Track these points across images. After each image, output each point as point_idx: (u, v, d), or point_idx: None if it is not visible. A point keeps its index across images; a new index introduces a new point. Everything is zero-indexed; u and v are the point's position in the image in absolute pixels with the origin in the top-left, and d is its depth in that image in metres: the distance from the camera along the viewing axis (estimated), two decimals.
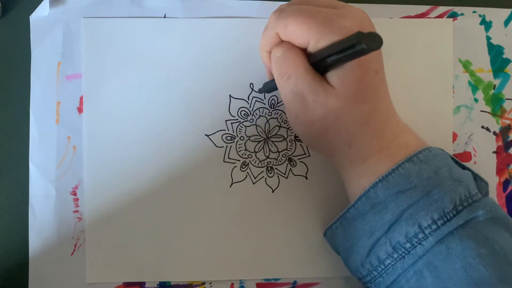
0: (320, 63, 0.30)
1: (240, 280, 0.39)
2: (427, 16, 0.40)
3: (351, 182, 0.34)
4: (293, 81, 0.31)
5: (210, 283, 0.39)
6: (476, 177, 0.33)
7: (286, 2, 0.34)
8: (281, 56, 0.31)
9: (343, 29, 0.29)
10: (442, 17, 0.41)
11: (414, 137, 0.33)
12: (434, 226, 0.30)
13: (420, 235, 0.30)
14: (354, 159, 0.32)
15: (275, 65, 0.32)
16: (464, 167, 0.33)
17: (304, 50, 0.31)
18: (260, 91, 0.39)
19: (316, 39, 0.30)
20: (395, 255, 0.31)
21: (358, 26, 0.29)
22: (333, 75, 0.30)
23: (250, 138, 0.39)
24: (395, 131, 0.32)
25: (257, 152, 0.40)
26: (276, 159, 0.40)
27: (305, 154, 0.40)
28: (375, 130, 0.31)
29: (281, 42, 0.32)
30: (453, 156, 0.34)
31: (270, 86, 0.36)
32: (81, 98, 0.39)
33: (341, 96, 0.30)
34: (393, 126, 0.32)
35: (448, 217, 0.30)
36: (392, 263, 0.31)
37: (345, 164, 0.33)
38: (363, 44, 0.25)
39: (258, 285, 0.39)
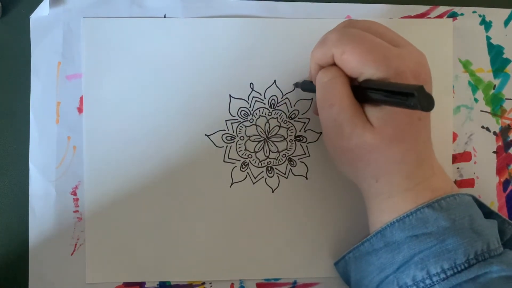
0: (363, 93, 0.30)
1: (240, 280, 0.39)
2: (427, 16, 0.40)
3: (373, 214, 0.34)
4: (336, 111, 0.31)
5: (210, 283, 0.39)
6: (504, 222, 0.33)
7: (341, 22, 0.34)
8: (328, 82, 0.31)
9: (398, 73, 0.29)
10: (442, 17, 0.41)
11: (444, 181, 0.33)
12: (442, 275, 0.29)
13: (427, 281, 0.30)
14: (379, 193, 0.32)
15: (320, 89, 0.32)
16: (492, 213, 0.33)
17: (351, 78, 0.31)
18: (297, 85, 0.39)
19: (368, 75, 0.29)
20: None
21: (413, 73, 0.29)
22: (374, 114, 0.30)
23: (250, 138, 0.39)
24: (426, 174, 0.32)
25: (257, 152, 0.40)
26: (276, 159, 0.40)
27: (305, 154, 0.40)
28: (405, 171, 0.31)
29: (332, 65, 0.32)
30: (481, 202, 0.33)
31: (309, 87, 0.36)
32: (81, 98, 0.39)
33: (378, 134, 0.30)
34: (425, 169, 0.32)
35: (459, 269, 0.29)
36: None
37: (370, 195, 0.33)
38: (418, 102, 0.25)
39: (258, 285, 0.39)
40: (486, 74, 0.41)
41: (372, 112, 0.30)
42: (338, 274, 0.38)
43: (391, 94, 0.27)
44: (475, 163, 0.40)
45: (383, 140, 0.30)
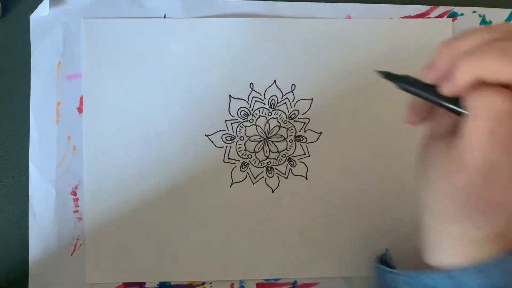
0: None
1: (240, 280, 0.39)
2: (427, 16, 0.40)
3: (444, 250, 0.29)
4: (500, 154, 0.23)
5: (210, 283, 0.39)
6: None
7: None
8: (507, 113, 0.22)
9: None
10: (442, 17, 0.41)
11: None
12: None
13: None
14: (466, 237, 0.28)
15: (489, 118, 0.22)
16: None
17: None
18: (390, 77, 0.27)
19: None
20: None
21: None
22: None
23: (250, 138, 0.40)
24: None
25: (257, 152, 0.40)
26: (276, 159, 0.40)
27: (305, 154, 0.40)
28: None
29: (506, 87, 0.22)
30: None
31: (415, 87, 0.26)
32: (81, 98, 0.39)
33: None
34: None
35: None
36: None
37: (449, 233, 0.28)
38: None
39: (258, 285, 0.39)
40: None
41: None
42: (372, 269, 0.35)
43: None
44: None
45: None
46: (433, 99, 0.25)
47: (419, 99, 0.26)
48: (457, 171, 0.24)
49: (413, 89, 0.26)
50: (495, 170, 0.23)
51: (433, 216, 0.29)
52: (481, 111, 0.22)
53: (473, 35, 0.23)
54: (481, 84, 0.22)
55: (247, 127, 0.39)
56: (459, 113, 0.24)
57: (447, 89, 0.24)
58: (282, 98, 0.40)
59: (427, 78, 0.25)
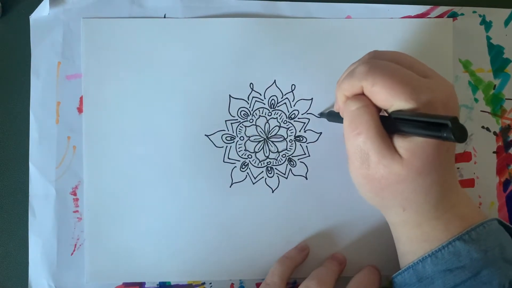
0: (392, 124, 0.30)
1: (240, 280, 0.39)
2: (427, 16, 0.40)
3: (403, 243, 0.34)
4: (362, 139, 0.30)
5: (210, 283, 0.39)
6: None
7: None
8: (356, 111, 0.31)
9: (428, 104, 0.29)
10: (442, 17, 0.40)
11: (471, 208, 0.33)
12: None
13: None
14: (406, 222, 0.32)
15: (348, 117, 0.31)
16: None
17: (379, 108, 0.31)
18: (321, 115, 0.39)
19: (399, 106, 0.29)
20: None
21: (442, 104, 0.29)
22: (403, 145, 0.30)
23: (250, 138, 0.39)
24: (453, 202, 0.32)
25: (257, 152, 0.40)
26: (276, 159, 0.40)
27: (305, 154, 0.40)
28: (433, 201, 0.31)
29: (360, 94, 0.31)
30: (507, 225, 0.33)
31: (335, 118, 0.36)
32: (81, 98, 0.39)
33: (406, 166, 0.30)
34: (452, 196, 0.32)
35: None
36: None
37: (397, 223, 0.33)
38: (451, 133, 0.24)
39: (258, 285, 0.39)
40: (486, 74, 0.41)
41: (401, 143, 0.30)
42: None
43: (423, 125, 0.27)
44: (475, 163, 0.40)
45: (410, 171, 0.30)
46: (340, 122, 0.34)
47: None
48: (349, 161, 0.33)
49: (333, 119, 0.37)
50: (364, 152, 0.30)
51: (381, 211, 0.35)
52: (344, 114, 0.32)
53: (347, 69, 0.34)
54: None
55: (247, 127, 0.39)
56: None
57: (337, 109, 0.35)
58: (282, 98, 0.40)
59: (335, 108, 0.36)
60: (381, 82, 0.29)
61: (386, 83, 0.29)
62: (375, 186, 0.31)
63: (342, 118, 0.33)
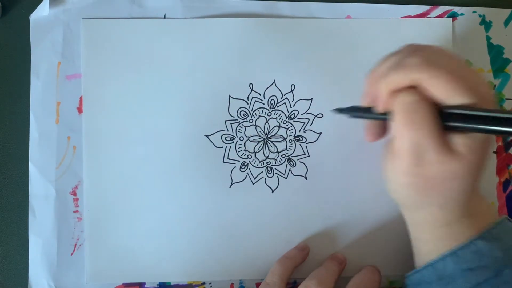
0: (448, 119, 0.28)
1: (240, 280, 0.39)
2: (427, 16, 0.40)
3: (425, 242, 0.33)
4: (420, 135, 0.28)
5: (210, 283, 0.39)
6: None
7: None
8: (414, 103, 0.28)
9: (484, 99, 0.28)
10: (442, 17, 0.40)
11: (487, 205, 0.33)
12: None
13: None
14: (437, 221, 0.31)
15: (403, 112, 0.29)
16: None
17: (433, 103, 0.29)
18: (341, 111, 0.36)
19: (457, 101, 0.28)
20: None
21: (492, 97, 0.29)
22: (461, 142, 0.28)
23: (250, 139, 0.40)
24: (477, 199, 0.32)
25: (256, 152, 0.40)
26: (276, 160, 0.40)
27: (304, 154, 0.40)
28: (467, 198, 0.31)
29: (412, 87, 0.29)
30: None
31: (362, 114, 0.34)
32: (81, 98, 0.39)
33: (467, 163, 0.28)
34: (477, 193, 0.32)
35: None
36: None
37: (425, 223, 0.32)
38: None
39: (258, 285, 0.39)
40: (486, 74, 0.41)
41: (459, 139, 0.28)
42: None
43: (489, 121, 0.26)
44: None
45: (469, 169, 0.29)
46: (373, 117, 0.32)
47: (371, 121, 0.34)
48: (394, 158, 0.30)
49: (358, 114, 0.34)
50: (421, 149, 0.28)
51: (404, 209, 0.34)
52: (396, 107, 0.29)
53: (385, 61, 0.31)
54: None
55: (246, 127, 0.39)
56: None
57: (378, 107, 0.31)
58: (281, 98, 0.40)
59: (363, 103, 0.33)
60: (441, 75, 0.28)
61: (446, 77, 0.27)
62: (423, 184, 0.30)
63: (373, 114, 0.31)
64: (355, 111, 0.34)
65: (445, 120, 0.28)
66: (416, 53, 0.29)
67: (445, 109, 0.28)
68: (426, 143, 0.28)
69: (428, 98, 0.28)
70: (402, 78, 0.29)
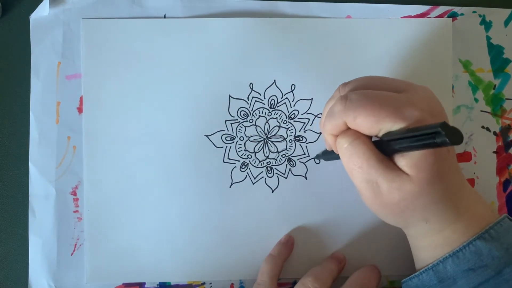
0: (387, 146, 0.30)
1: (240, 280, 0.39)
2: (427, 16, 0.40)
3: (423, 250, 0.34)
4: (366, 171, 0.30)
5: (210, 283, 0.39)
6: None
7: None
8: (350, 146, 0.30)
9: (414, 118, 0.28)
10: (442, 17, 0.40)
11: (484, 206, 0.33)
12: None
13: None
14: (430, 231, 0.32)
15: (344, 155, 0.31)
16: None
17: (369, 136, 0.31)
18: (317, 157, 0.39)
19: (386, 129, 0.29)
20: None
21: (428, 112, 0.29)
22: (405, 163, 0.29)
23: (250, 139, 0.40)
24: (468, 201, 0.32)
25: (256, 152, 0.40)
26: (276, 159, 0.40)
27: (304, 154, 0.40)
28: (450, 205, 0.31)
29: (347, 130, 0.31)
30: None
31: (330, 156, 0.36)
32: (81, 98, 0.39)
33: (416, 181, 0.29)
34: (467, 197, 0.32)
35: None
36: None
37: (420, 235, 0.33)
38: (446, 138, 0.24)
39: None
40: (486, 74, 0.41)
41: (402, 161, 0.29)
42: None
43: (417, 139, 0.27)
44: (475, 163, 0.40)
45: (421, 185, 0.29)
46: (336, 157, 0.34)
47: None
48: (360, 194, 0.32)
49: (330, 156, 0.36)
50: (372, 183, 0.30)
51: (402, 227, 0.34)
52: (339, 152, 0.31)
53: (324, 108, 0.34)
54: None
55: (246, 127, 0.39)
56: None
57: (329, 148, 0.34)
58: (282, 98, 0.40)
59: (328, 148, 0.36)
60: (362, 113, 0.29)
61: (367, 113, 0.29)
62: (395, 209, 0.31)
63: (338, 155, 0.33)
64: (326, 155, 0.37)
65: (384, 148, 0.30)
66: (340, 98, 0.31)
67: (383, 138, 0.29)
68: (373, 177, 0.30)
69: (363, 134, 0.30)
70: (335, 126, 0.31)
